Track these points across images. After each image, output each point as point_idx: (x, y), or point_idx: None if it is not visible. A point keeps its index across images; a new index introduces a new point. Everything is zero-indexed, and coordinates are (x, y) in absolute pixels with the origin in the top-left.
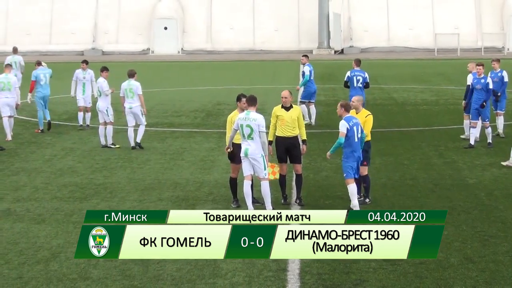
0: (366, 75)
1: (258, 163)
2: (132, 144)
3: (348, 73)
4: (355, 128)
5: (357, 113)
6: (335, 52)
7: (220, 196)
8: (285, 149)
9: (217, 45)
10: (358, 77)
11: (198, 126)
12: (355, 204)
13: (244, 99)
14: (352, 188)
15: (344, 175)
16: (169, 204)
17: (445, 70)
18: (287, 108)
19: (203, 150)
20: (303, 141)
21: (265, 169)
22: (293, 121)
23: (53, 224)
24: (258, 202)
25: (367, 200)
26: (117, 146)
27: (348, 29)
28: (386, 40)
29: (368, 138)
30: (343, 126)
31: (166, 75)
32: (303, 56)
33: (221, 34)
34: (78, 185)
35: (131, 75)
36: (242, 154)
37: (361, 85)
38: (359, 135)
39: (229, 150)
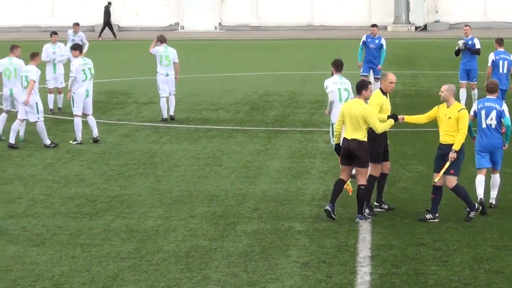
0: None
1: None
2: (165, 115)
3: (493, 56)
4: (483, 112)
5: (448, 107)
6: (416, 28)
7: (268, 212)
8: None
9: (265, 20)
10: (504, 62)
11: (241, 123)
12: (480, 193)
13: (371, 87)
14: (479, 178)
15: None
16: (203, 222)
17: None
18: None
19: (246, 153)
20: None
21: None
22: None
23: (55, 247)
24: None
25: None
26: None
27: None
28: (482, 13)
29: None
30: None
31: (200, 57)
32: (497, 42)
33: (270, 5)
34: (88, 197)
35: (164, 40)
36: None
37: (507, 72)
38: (488, 122)
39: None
